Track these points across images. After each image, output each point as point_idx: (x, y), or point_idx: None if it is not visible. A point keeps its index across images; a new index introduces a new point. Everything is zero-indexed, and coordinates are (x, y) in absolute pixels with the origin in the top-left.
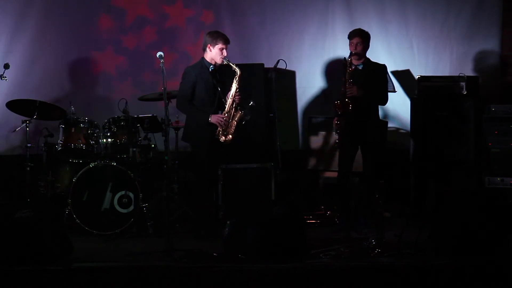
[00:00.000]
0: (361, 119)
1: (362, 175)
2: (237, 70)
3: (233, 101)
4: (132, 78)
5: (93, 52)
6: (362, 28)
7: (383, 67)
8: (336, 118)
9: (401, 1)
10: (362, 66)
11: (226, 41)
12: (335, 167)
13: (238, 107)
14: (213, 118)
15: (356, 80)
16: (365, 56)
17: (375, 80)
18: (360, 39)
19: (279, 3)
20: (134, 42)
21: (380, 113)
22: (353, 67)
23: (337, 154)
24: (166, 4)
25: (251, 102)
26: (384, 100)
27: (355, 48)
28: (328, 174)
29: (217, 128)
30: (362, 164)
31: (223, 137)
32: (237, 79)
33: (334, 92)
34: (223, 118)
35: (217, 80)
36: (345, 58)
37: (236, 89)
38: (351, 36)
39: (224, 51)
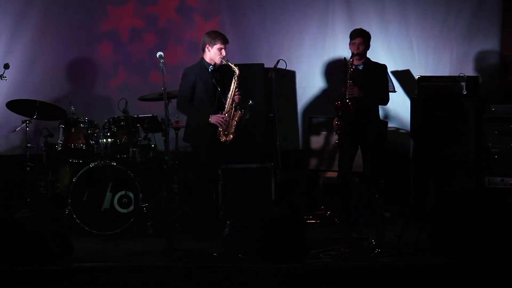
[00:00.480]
0: (361, 120)
1: (362, 175)
2: (236, 70)
3: (233, 100)
4: (129, 74)
5: (92, 46)
6: (362, 28)
7: (384, 67)
8: (336, 119)
9: (401, 1)
10: (362, 66)
11: (224, 41)
12: (335, 167)
13: (238, 107)
14: (213, 119)
15: (356, 80)
16: (366, 56)
17: (376, 80)
18: (362, 39)
19: (279, 3)
20: (138, 53)
21: (380, 113)
22: (353, 68)
23: (337, 154)
24: (149, 5)
25: (250, 101)
26: (385, 100)
27: (358, 48)
28: (329, 174)
29: (218, 128)
30: (362, 164)
31: (224, 137)
32: (236, 78)
33: (334, 92)
34: (223, 118)
35: (217, 80)
36: (345, 58)
37: (235, 89)
38: (353, 36)
39: (223, 51)
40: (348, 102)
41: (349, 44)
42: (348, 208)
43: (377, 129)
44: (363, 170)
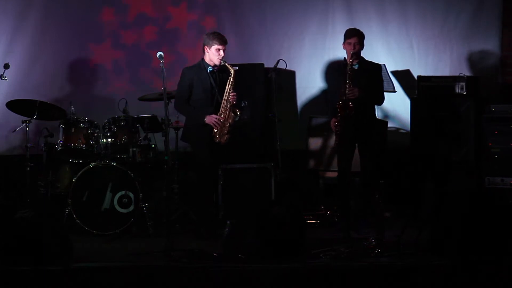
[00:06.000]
0: (358, 119)
1: (361, 174)
2: (231, 71)
3: (227, 101)
4: (129, 74)
5: (92, 46)
6: (362, 28)
7: (378, 66)
8: (334, 120)
9: (401, 1)
10: (357, 65)
11: (222, 42)
12: (335, 167)
13: (231, 108)
14: (207, 119)
15: (353, 80)
16: (360, 55)
17: (371, 79)
18: (358, 38)
19: (279, 3)
20: (133, 38)
21: (380, 113)
22: (351, 68)
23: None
24: (150, 5)
25: (243, 103)
26: (381, 100)
27: (354, 48)
28: (328, 174)
29: (213, 129)
30: (360, 163)
31: (219, 138)
32: (231, 79)
33: (334, 92)
34: (217, 119)
35: (216, 81)
36: (345, 58)
37: (229, 90)
38: (349, 35)
39: (221, 51)
40: (350, 104)
41: (344, 44)
42: (348, 208)
43: (373, 127)
44: (361, 169)
